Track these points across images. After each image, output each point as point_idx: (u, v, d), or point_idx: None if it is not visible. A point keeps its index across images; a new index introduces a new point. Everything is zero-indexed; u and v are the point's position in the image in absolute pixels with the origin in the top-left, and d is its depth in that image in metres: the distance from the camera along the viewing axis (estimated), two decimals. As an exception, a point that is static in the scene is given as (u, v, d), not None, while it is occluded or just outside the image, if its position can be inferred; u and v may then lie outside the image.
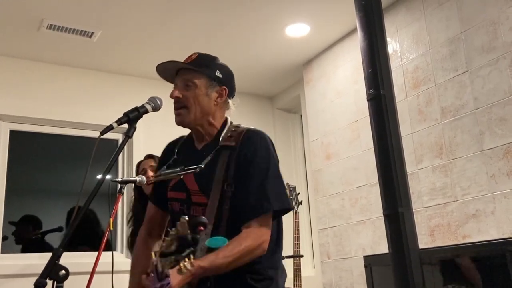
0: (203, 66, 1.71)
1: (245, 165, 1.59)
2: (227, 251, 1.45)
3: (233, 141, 1.64)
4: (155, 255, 1.28)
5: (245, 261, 1.50)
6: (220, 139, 1.67)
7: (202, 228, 1.16)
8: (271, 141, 1.70)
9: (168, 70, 1.73)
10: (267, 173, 1.59)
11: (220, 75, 1.72)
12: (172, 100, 1.73)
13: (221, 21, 3.58)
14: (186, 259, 1.16)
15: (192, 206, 1.63)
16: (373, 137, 2.12)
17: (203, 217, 1.17)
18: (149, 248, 1.80)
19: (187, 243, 1.15)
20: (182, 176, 1.66)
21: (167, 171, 1.72)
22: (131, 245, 2.78)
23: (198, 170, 1.60)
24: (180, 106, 1.69)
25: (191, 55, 1.74)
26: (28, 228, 3.87)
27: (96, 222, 3.96)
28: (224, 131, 1.70)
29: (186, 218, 1.15)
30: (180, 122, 1.71)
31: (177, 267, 1.17)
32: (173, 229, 1.19)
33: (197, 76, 1.68)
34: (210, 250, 1.44)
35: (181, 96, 1.68)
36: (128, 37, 3.72)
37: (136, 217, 2.80)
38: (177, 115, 1.70)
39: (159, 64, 1.71)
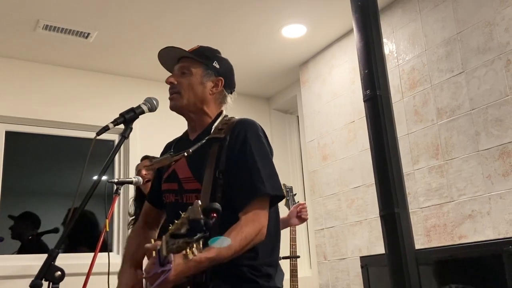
0: (203, 56, 1.73)
1: (237, 153, 1.59)
2: (231, 241, 1.44)
3: (223, 133, 1.65)
4: (162, 238, 1.25)
5: (246, 249, 1.49)
6: (212, 130, 1.68)
7: (215, 214, 1.13)
8: (262, 129, 1.70)
9: (169, 58, 1.76)
10: (260, 159, 1.59)
11: (217, 66, 1.74)
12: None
13: (218, 21, 3.59)
14: (195, 244, 1.10)
15: (185, 194, 1.62)
16: (370, 137, 2.13)
17: (217, 203, 1.14)
18: (144, 234, 1.83)
19: (199, 227, 1.08)
20: (174, 163, 1.67)
21: (158, 159, 1.73)
22: None
23: (186, 154, 1.61)
24: (174, 91, 1.71)
25: (194, 47, 1.76)
26: (27, 224, 3.86)
27: (93, 223, 3.95)
28: (217, 122, 1.71)
29: (200, 202, 1.11)
30: (173, 106, 1.71)
31: (183, 251, 1.12)
32: (185, 212, 1.14)
33: (194, 65, 1.71)
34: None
35: (175, 82, 1.70)
36: (124, 38, 3.71)
37: (137, 217, 2.80)
38: (170, 99, 1.72)
39: (161, 50, 1.72)
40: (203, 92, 1.71)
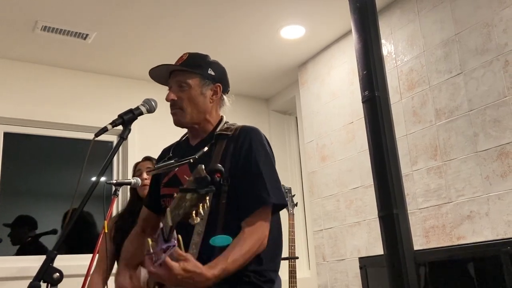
0: (195, 65, 1.71)
1: (242, 161, 1.60)
2: (236, 255, 1.45)
3: (229, 131, 1.67)
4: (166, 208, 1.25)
5: (249, 261, 1.51)
6: (217, 131, 1.69)
7: (219, 175, 1.12)
8: (265, 137, 1.72)
9: (161, 74, 1.74)
10: (265, 168, 1.60)
11: (213, 73, 1.73)
12: (168, 102, 1.73)
13: (217, 22, 3.59)
14: (203, 201, 1.10)
15: None
16: (368, 138, 2.12)
17: (219, 165, 1.13)
18: (141, 240, 1.81)
19: (206, 183, 1.09)
20: (176, 168, 1.67)
21: (161, 164, 1.72)
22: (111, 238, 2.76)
23: (192, 161, 1.61)
24: (176, 107, 1.70)
25: (182, 56, 1.75)
26: (24, 229, 3.85)
27: (91, 224, 3.94)
28: (218, 128, 1.72)
29: (203, 166, 1.12)
30: (177, 122, 1.72)
31: (191, 215, 1.12)
32: (189, 177, 1.14)
33: (190, 77, 1.70)
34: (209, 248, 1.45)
35: (176, 98, 1.69)
36: (123, 39, 3.71)
37: (127, 214, 2.75)
38: (173, 114, 1.71)
39: (151, 69, 1.72)
40: (204, 102, 1.71)
